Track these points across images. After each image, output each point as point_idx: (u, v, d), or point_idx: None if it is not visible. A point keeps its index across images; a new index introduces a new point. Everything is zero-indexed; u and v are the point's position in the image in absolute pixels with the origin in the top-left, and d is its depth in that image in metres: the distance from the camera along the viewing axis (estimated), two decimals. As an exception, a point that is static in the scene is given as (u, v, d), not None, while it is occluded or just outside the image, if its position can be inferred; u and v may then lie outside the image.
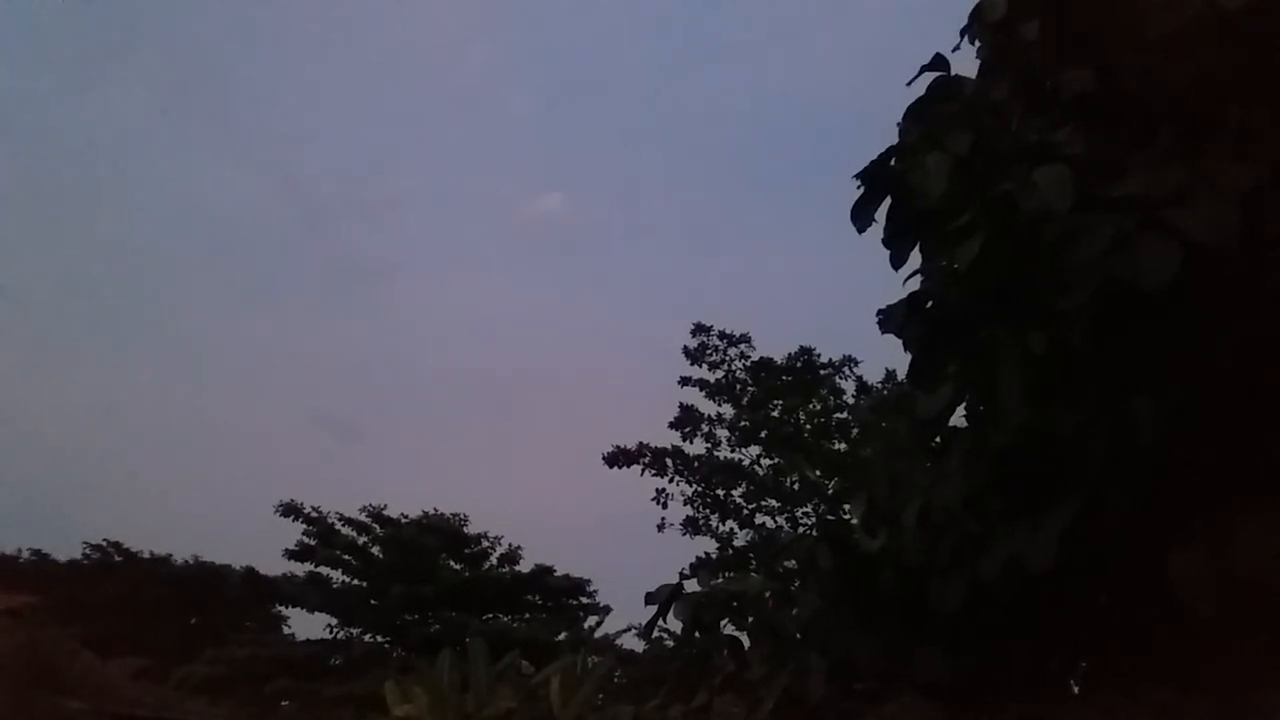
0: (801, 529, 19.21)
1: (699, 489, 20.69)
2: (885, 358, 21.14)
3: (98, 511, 56.19)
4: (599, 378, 56.12)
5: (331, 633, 24.34)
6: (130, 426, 56.42)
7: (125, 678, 22.78)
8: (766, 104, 65.98)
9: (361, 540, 24.71)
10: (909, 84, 3.61)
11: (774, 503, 20.44)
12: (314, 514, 24.23)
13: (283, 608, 29.67)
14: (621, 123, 71.45)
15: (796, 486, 20.40)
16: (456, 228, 67.83)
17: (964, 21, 3.81)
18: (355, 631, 24.29)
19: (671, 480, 20.64)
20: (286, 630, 30.87)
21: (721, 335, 21.40)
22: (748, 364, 21.35)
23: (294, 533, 24.07)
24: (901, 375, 14.29)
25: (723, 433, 21.10)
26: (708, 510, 20.63)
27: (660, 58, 70.58)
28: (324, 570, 24.37)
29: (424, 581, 23.25)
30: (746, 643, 4.85)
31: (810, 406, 21.02)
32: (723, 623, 4.89)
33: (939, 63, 3.58)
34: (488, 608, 24.90)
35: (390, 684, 7.28)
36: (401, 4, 65.54)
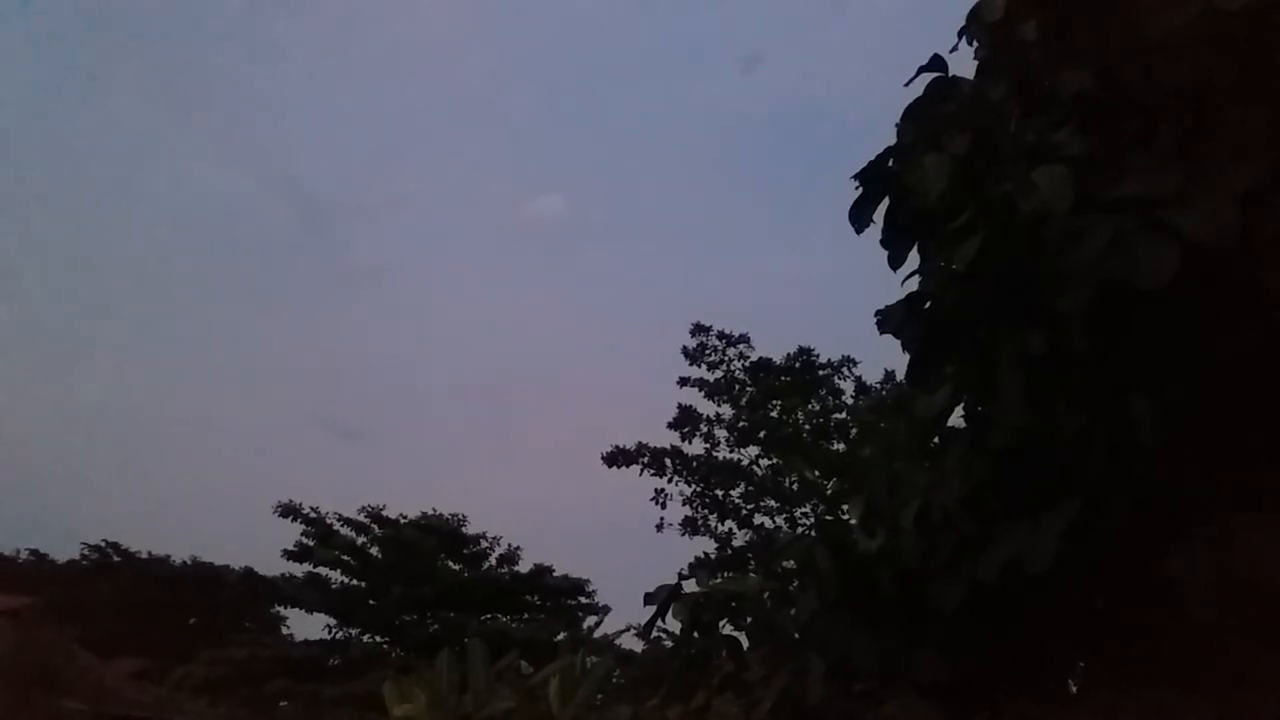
0: (800, 529, 19.19)
1: (698, 489, 20.67)
2: (884, 358, 21.14)
3: (96, 512, 56.15)
4: (597, 378, 56.15)
5: (330, 633, 24.38)
6: (130, 426, 56.41)
7: (123, 678, 22.76)
8: (766, 104, 66.01)
9: (360, 540, 24.71)
10: (907, 84, 3.60)
11: (772, 503, 20.42)
12: (312, 514, 24.23)
13: (281, 608, 29.69)
14: (621, 123, 71.47)
15: (795, 487, 20.39)
16: (455, 228, 67.85)
17: (962, 22, 3.80)
18: (354, 632, 24.31)
19: (670, 480, 20.64)
20: (285, 631, 30.95)
21: (720, 335, 21.37)
22: (746, 364, 21.32)
23: (292, 533, 24.10)
24: (900, 376, 14.31)
25: (721, 433, 21.10)
26: (706, 510, 20.62)
27: (661, 58, 70.58)
28: (322, 571, 24.39)
29: (422, 582, 23.27)
30: (745, 643, 4.85)
31: (809, 407, 21.00)
32: (721, 623, 4.88)
33: (936, 63, 3.57)
34: (486, 608, 24.91)
35: (389, 684, 7.27)
36: (401, 4, 65.50)
